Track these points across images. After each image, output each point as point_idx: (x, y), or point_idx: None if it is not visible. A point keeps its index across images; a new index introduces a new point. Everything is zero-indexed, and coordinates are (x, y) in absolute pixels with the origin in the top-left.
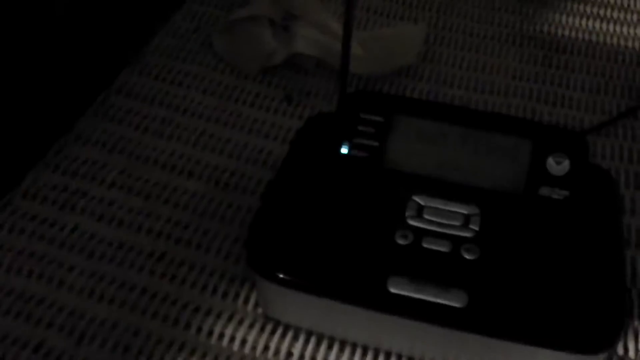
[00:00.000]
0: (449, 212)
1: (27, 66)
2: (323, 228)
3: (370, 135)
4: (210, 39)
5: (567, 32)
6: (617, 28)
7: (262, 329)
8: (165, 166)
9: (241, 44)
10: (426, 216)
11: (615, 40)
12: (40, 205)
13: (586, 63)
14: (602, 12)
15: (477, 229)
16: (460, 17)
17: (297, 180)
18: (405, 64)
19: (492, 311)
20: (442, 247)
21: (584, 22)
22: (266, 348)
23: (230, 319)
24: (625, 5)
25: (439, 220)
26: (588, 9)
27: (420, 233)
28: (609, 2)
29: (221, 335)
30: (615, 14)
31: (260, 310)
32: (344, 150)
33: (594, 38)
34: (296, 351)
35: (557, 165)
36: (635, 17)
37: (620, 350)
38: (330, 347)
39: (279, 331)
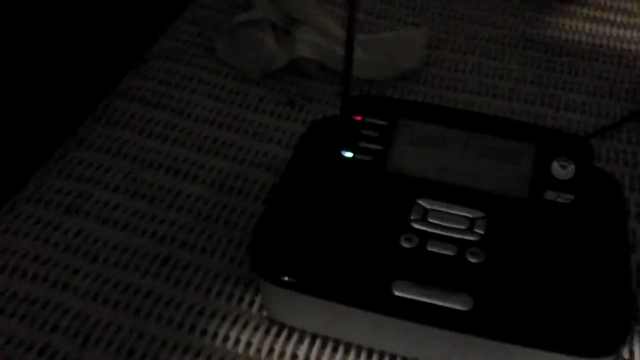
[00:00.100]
0: (454, 215)
1: (31, 71)
2: (327, 231)
3: (374, 139)
4: (213, 43)
5: (570, 36)
6: (621, 32)
7: (267, 332)
8: (169, 170)
9: (244, 48)
10: (431, 220)
11: (618, 43)
12: (44, 208)
13: (590, 67)
14: (605, 15)
15: (482, 232)
16: (463, 21)
17: (301, 184)
18: (408, 68)
19: (497, 315)
20: (447, 251)
21: (587, 25)
22: (271, 350)
23: (234, 321)
24: (629, 9)
25: (444, 223)
26: (591, 13)
27: (425, 236)
28: (612, 5)
29: (226, 338)
30: (618, 18)
31: (264, 313)
32: (348, 154)
33: (597, 41)
34: (301, 354)
35: (562, 170)
36: (638, 20)
37: (626, 354)
38: (335, 349)
39: (284, 334)
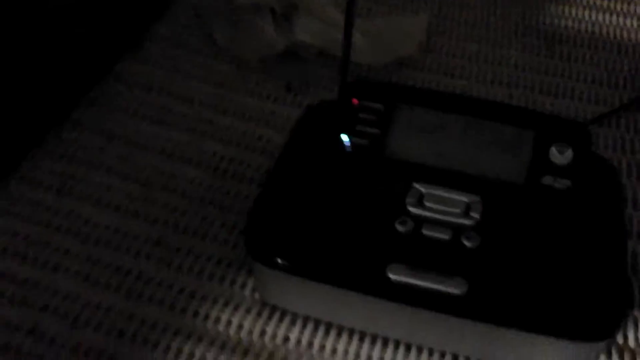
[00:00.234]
0: (450, 200)
1: (27, 53)
2: (322, 215)
3: (371, 123)
4: (211, 28)
5: (569, 24)
6: (620, 20)
7: (259, 314)
8: (164, 153)
9: (242, 33)
10: (427, 204)
11: (618, 31)
12: (36, 189)
13: (589, 54)
14: (605, 3)
15: (478, 217)
16: (462, 7)
17: (296, 168)
18: (406, 54)
19: (492, 299)
20: (443, 235)
21: (586, 13)
22: (263, 333)
23: (226, 304)
24: None
25: (439, 207)
26: (591, 0)
27: (420, 220)
28: None
29: (217, 320)
30: (618, 6)
31: (257, 295)
32: (345, 138)
33: (596, 29)
34: (293, 336)
35: (560, 155)
36: (638, 8)
37: (620, 339)
38: (327, 333)
39: (276, 316)
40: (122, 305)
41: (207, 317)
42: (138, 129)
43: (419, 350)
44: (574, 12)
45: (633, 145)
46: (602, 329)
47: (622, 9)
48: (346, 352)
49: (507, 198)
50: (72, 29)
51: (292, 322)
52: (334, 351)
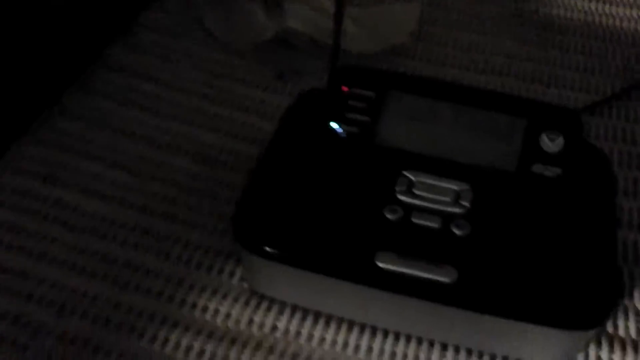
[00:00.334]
0: (440, 187)
1: (14, 39)
2: (311, 202)
3: (361, 110)
4: (201, 14)
5: (562, 12)
6: (613, 9)
7: (247, 303)
8: (152, 141)
9: (232, 20)
10: (416, 191)
11: (610, 21)
12: (23, 177)
13: (581, 43)
14: None
15: (468, 205)
16: None
17: (286, 155)
18: (398, 43)
19: (481, 287)
20: (432, 223)
21: (579, 2)
22: (250, 322)
23: (214, 292)
24: None
25: (429, 195)
26: None
27: (409, 208)
28: None
29: (205, 309)
30: None
31: (245, 284)
32: (335, 125)
33: (589, 18)
34: (281, 325)
35: (551, 143)
36: None
37: (610, 328)
38: (315, 322)
39: (264, 305)
40: (109, 294)
41: (194, 305)
42: (127, 116)
43: (408, 339)
44: (566, 0)
45: (625, 134)
46: (592, 318)
47: None
48: (334, 341)
49: (497, 186)
50: (61, 14)
51: (280, 311)
52: (322, 340)
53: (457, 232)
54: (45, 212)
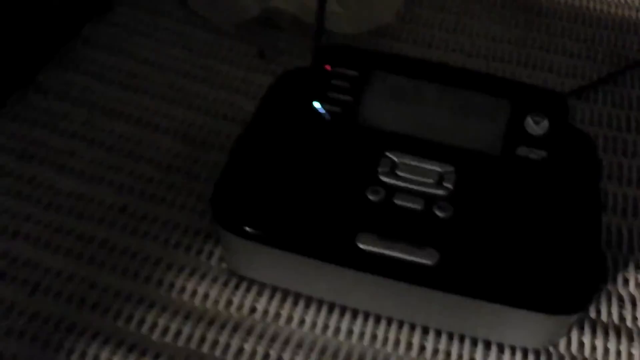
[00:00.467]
0: (423, 169)
1: None
2: (292, 183)
3: (344, 90)
4: None
5: None
6: None
7: (225, 284)
8: (130, 119)
9: None
10: (399, 173)
11: (598, 5)
12: None
13: (568, 28)
14: None
15: (451, 187)
16: None
17: (267, 135)
18: (383, 23)
19: (463, 270)
20: (415, 205)
21: None
22: (229, 303)
23: (192, 273)
24: None
25: (412, 177)
26: None
27: (392, 190)
28: None
29: (182, 290)
30: None
31: (224, 265)
32: (317, 105)
33: (576, 3)
34: (260, 306)
35: (536, 125)
36: None
37: (592, 313)
38: (295, 303)
39: (243, 286)
40: (84, 273)
41: (171, 286)
42: (105, 93)
43: (389, 322)
44: None
45: (610, 119)
46: (575, 302)
47: None
48: (314, 323)
49: (481, 168)
50: None
51: (260, 293)
52: (301, 322)
53: (439, 214)
54: (18, 189)
